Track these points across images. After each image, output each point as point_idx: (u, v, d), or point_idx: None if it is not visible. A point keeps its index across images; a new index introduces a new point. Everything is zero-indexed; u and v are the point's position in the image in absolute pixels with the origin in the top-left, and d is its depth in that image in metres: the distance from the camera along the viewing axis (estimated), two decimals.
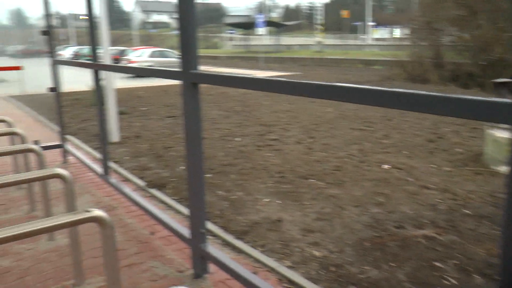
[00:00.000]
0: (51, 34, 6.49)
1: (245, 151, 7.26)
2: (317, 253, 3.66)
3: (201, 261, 3.13)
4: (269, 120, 10.33)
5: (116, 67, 4.94)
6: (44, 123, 10.34)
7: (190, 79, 2.85)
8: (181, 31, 2.77)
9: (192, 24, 2.75)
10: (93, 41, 4.70)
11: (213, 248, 3.10)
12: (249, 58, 42.11)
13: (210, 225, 4.15)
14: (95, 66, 4.72)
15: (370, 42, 54.58)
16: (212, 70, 32.71)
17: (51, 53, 6.62)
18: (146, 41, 68.21)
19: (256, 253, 3.59)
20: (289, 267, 3.43)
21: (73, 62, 6.31)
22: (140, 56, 28.97)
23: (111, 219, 2.25)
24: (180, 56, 2.83)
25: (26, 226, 2.05)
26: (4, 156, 4.08)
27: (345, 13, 63.26)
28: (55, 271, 3.37)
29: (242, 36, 62.01)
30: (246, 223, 4.29)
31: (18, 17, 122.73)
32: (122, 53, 32.13)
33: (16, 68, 6.90)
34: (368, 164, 6.37)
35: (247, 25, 52.93)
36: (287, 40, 58.34)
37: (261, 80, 2.30)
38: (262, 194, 5.14)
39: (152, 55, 29.29)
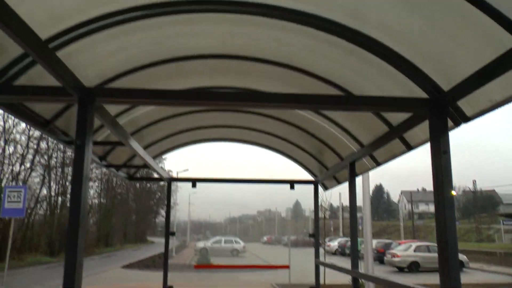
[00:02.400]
0: (317, 236, 7.14)
1: None
2: None
3: None
4: None
5: (373, 278, 4.92)
6: None
7: None
8: (439, 242, 2.67)
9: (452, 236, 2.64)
10: (354, 241, 4.93)
11: None
12: None
13: None
14: (353, 273, 4.81)
15: None
16: (486, 268, 28.97)
17: (316, 252, 7.18)
18: (412, 232, 66.87)
19: None
20: None
21: (332, 265, 6.63)
22: (405, 250, 28.26)
23: None
24: (439, 269, 2.66)
25: None
26: None
27: None
28: None
29: None
30: None
31: (295, 209, 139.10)
32: (387, 246, 32.04)
33: (285, 267, 7.60)
34: None
35: None
36: None
37: None
38: None
39: (418, 249, 28.20)
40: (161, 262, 30.98)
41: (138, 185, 62.77)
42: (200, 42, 3.96)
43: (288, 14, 3.30)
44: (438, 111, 3.35)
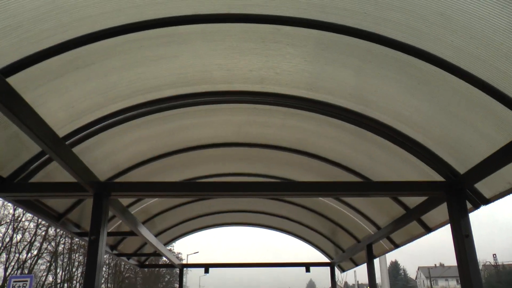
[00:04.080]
0: None
1: None
2: None
3: None
4: None
5: None
6: None
7: None
8: None
9: None
10: None
11: None
12: None
13: None
14: None
15: None
16: None
17: None
18: None
19: None
20: None
21: None
22: None
23: None
24: None
25: None
26: None
27: None
28: None
29: None
30: None
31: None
32: None
33: None
34: None
35: None
36: None
37: None
38: None
39: None
40: None
41: (146, 269, 61.17)
42: (215, 132, 4.04)
43: (301, 103, 3.38)
44: (456, 194, 3.30)
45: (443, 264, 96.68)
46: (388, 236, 5.08)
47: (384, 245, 5.50)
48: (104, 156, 3.67)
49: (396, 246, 5.18)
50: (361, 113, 3.37)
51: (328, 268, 7.74)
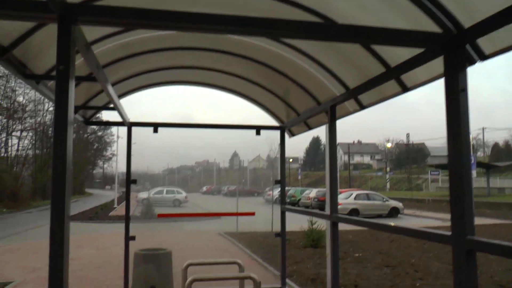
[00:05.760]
0: (283, 183, 7.07)
1: None
2: None
3: None
4: None
5: (353, 220, 4.75)
6: (258, 262, 10.84)
7: (464, 246, 2.59)
8: (453, 190, 2.61)
9: (467, 183, 2.57)
10: (333, 189, 4.75)
11: None
12: None
13: None
14: (333, 218, 4.67)
15: None
16: (419, 214, 31.04)
17: (282, 199, 7.14)
18: (348, 182, 69.87)
19: None
20: None
21: (305, 211, 6.58)
22: (346, 198, 29.44)
23: None
24: (452, 218, 2.64)
25: None
26: None
27: None
28: None
29: (447, 177, 58.46)
30: None
31: (234, 160, 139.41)
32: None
33: (250, 214, 7.51)
34: None
35: None
36: (498, 182, 52.93)
37: None
38: None
39: (358, 197, 29.50)
40: (103, 214, 29.81)
41: (74, 135, 60.14)
42: None
43: None
44: (455, 49, 3.11)
45: (361, 142, 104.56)
46: (356, 97, 4.93)
47: (348, 107, 5.36)
48: None
49: (363, 107, 5.03)
50: None
51: (279, 132, 7.63)
